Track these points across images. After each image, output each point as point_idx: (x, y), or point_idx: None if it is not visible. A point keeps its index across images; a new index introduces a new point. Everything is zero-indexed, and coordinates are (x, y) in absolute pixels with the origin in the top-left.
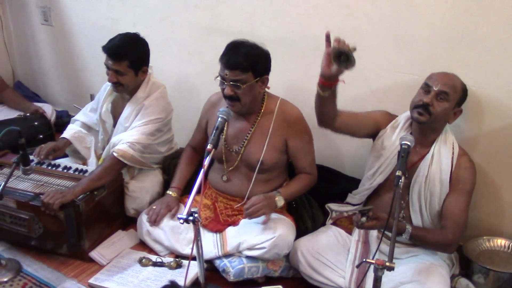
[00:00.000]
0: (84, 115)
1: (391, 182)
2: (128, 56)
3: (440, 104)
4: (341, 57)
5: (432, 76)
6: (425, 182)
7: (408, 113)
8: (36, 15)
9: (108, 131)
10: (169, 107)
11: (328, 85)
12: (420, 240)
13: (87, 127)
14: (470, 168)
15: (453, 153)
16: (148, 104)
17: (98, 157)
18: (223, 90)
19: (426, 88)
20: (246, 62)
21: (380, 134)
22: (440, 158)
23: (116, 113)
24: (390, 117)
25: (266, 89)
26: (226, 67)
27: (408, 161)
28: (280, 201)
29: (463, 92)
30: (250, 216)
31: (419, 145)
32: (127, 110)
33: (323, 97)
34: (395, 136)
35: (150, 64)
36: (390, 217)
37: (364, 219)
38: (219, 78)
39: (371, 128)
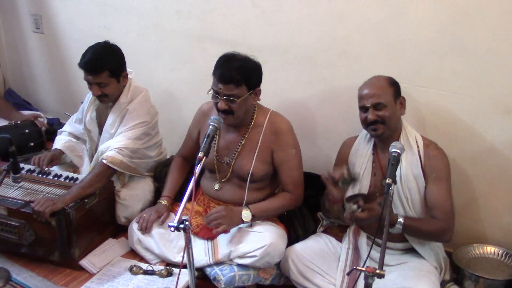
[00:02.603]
0: (70, 126)
1: (373, 193)
2: (107, 65)
3: (382, 111)
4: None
5: (360, 96)
6: (400, 182)
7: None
8: (27, 23)
9: (94, 140)
10: (153, 110)
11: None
12: (414, 230)
13: (75, 137)
14: (438, 155)
15: (417, 146)
16: (132, 109)
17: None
18: (216, 103)
19: (363, 109)
20: (239, 76)
21: (349, 160)
22: (407, 154)
23: (101, 121)
24: (350, 141)
25: (257, 101)
26: (220, 82)
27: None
28: (246, 217)
29: (394, 85)
30: (209, 223)
31: (387, 150)
32: (112, 117)
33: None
34: (361, 152)
35: (129, 70)
36: (380, 224)
37: (355, 206)
38: (211, 92)
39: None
